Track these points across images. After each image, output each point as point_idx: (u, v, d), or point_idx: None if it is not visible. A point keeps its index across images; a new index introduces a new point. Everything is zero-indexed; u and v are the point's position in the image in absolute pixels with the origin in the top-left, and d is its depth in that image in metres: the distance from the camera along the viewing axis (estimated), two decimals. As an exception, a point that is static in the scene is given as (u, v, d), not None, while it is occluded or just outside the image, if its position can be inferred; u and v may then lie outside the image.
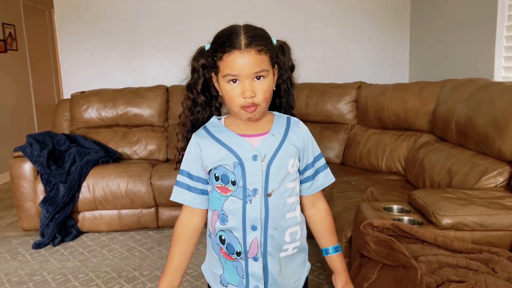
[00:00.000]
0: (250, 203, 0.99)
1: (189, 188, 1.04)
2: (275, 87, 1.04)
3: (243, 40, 0.94)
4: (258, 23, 1.03)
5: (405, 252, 1.22)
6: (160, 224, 3.07)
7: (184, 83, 1.09)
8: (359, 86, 3.33)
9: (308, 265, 1.14)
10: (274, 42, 1.02)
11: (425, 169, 2.33)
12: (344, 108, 3.33)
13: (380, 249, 1.28)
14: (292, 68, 1.08)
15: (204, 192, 1.05)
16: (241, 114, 0.98)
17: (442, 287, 1.13)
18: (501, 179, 1.81)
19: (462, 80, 2.44)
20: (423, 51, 3.55)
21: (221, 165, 1.00)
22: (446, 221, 1.45)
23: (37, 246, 2.82)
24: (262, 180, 0.99)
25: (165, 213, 3.06)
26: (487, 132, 1.93)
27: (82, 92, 3.66)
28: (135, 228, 3.07)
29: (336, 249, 1.11)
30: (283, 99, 1.09)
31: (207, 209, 1.07)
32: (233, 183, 0.99)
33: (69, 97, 3.71)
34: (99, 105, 3.56)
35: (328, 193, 2.41)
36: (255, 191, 0.99)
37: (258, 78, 0.96)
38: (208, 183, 1.04)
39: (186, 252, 1.07)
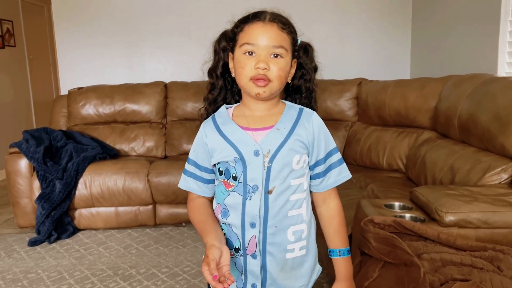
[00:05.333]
0: (250, 199, 0.95)
1: (195, 177, 1.04)
2: (296, 87, 1.03)
3: (268, 15, 0.95)
4: None
5: (407, 249, 1.19)
6: (157, 222, 3.03)
7: (206, 66, 1.07)
8: (360, 82, 3.30)
9: (318, 268, 1.07)
10: (299, 41, 1.01)
11: (426, 166, 2.29)
12: (344, 105, 3.29)
13: (381, 246, 1.24)
14: (315, 69, 1.06)
15: (210, 182, 1.04)
16: (249, 89, 0.94)
17: (446, 285, 1.10)
18: (505, 176, 1.77)
19: (464, 76, 2.40)
20: (424, 47, 3.51)
21: (223, 160, 0.97)
22: (449, 218, 1.41)
23: (33, 243, 2.78)
24: (263, 177, 0.94)
25: (162, 210, 3.02)
26: (490, 128, 1.89)
27: (80, 88, 3.62)
28: (132, 226, 3.03)
29: (339, 253, 1.03)
30: (304, 99, 1.05)
31: (213, 196, 1.06)
32: (234, 178, 0.96)
33: (67, 93, 3.68)
34: (96, 101, 3.52)
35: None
36: (255, 187, 0.95)
37: (276, 56, 0.93)
38: (214, 173, 1.03)
39: (208, 213, 1.02)
